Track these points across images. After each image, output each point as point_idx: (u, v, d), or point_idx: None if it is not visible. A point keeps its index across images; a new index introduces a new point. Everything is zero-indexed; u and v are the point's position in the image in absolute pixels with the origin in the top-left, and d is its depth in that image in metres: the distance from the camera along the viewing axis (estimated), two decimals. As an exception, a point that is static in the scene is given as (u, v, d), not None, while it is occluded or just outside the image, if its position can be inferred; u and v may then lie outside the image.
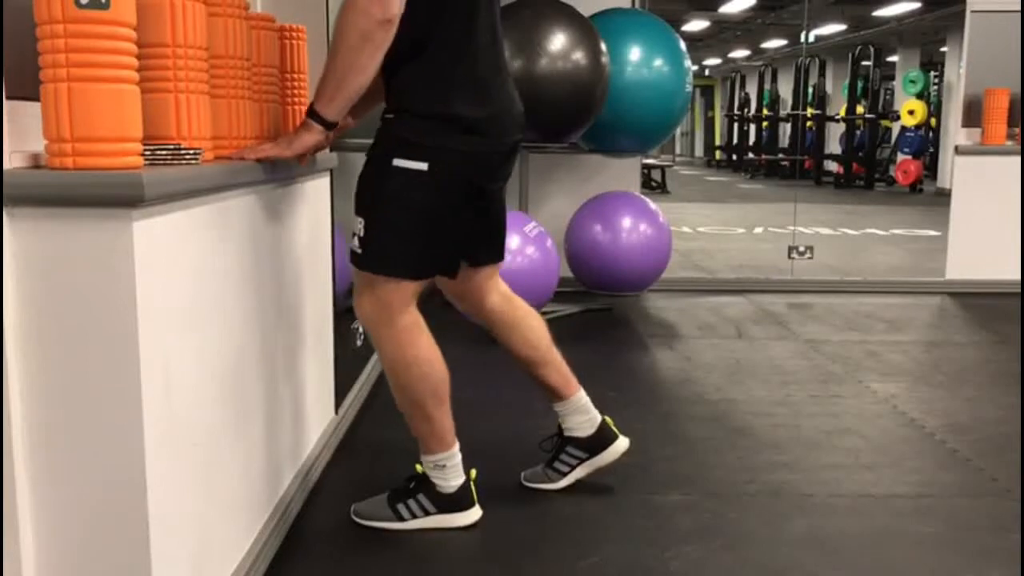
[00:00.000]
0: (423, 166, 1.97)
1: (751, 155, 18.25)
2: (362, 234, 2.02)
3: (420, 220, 2.02)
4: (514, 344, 2.36)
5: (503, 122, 2.10)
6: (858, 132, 15.08)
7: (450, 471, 2.19)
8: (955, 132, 5.78)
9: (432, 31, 1.94)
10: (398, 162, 1.98)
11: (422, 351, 2.10)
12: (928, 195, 13.18)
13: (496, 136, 2.08)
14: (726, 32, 18.04)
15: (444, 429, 2.16)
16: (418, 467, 2.21)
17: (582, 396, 2.41)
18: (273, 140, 2.12)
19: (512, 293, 2.39)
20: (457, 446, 2.19)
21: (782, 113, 17.27)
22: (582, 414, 2.40)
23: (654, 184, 13.24)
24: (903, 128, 14.51)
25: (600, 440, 2.40)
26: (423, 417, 2.14)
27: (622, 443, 2.42)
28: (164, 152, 1.54)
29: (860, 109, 15.14)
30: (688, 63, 4.73)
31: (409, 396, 2.14)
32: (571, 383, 2.39)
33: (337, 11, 1.91)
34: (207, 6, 1.73)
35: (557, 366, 2.38)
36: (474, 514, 2.22)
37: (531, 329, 2.36)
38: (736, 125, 19.32)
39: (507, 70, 2.16)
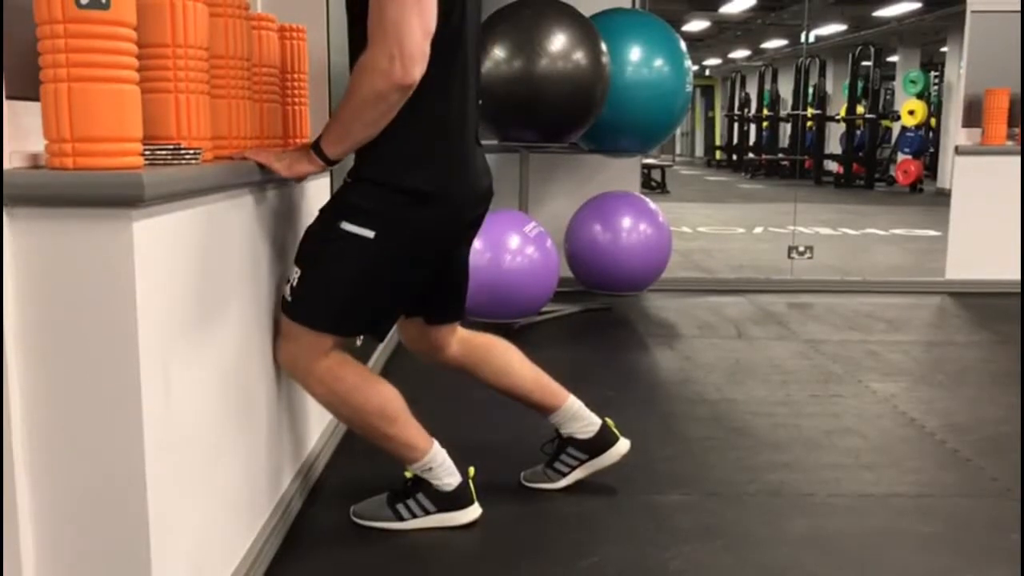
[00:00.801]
0: (370, 234, 1.95)
1: (751, 155, 18.25)
2: (295, 284, 2.01)
3: (355, 285, 2.01)
4: (487, 378, 2.37)
5: (464, 197, 2.07)
6: (858, 132, 15.08)
7: (439, 471, 2.18)
8: (955, 132, 5.79)
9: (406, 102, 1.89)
10: (346, 226, 1.96)
11: (350, 383, 2.08)
12: (928, 195, 13.18)
13: (454, 211, 2.05)
14: (726, 32, 18.04)
15: (410, 439, 2.14)
16: (407, 473, 2.20)
17: (573, 404, 2.40)
18: (273, 143, 2.12)
19: (469, 333, 2.38)
20: (435, 447, 2.17)
21: (782, 113, 17.27)
22: (578, 420, 2.39)
23: (654, 184, 13.24)
24: (903, 128, 14.52)
25: (601, 442, 2.40)
26: (381, 438, 2.13)
27: (623, 445, 2.42)
28: (164, 152, 1.54)
29: (860, 109, 15.14)
30: (688, 63, 4.74)
31: (357, 426, 2.15)
32: (558, 395, 2.39)
33: (354, 68, 1.87)
34: (207, 6, 1.73)
35: (536, 382, 2.37)
36: (474, 512, 2.22)
37: (496, 358, 2.36)
38: (736, 125, 19.33)
39: (477, 143, 2.13)
